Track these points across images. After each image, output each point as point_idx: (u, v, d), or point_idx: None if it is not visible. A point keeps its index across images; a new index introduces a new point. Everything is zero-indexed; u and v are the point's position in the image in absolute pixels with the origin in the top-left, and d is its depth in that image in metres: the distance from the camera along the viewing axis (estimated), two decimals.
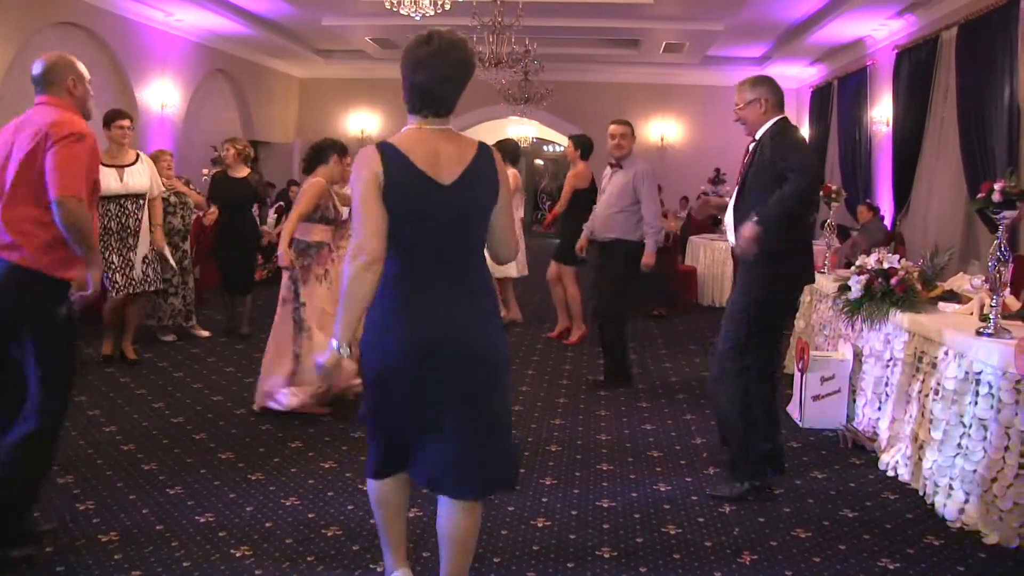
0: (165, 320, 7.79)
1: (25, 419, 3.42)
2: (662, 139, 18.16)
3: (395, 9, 8.18)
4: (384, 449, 3.00)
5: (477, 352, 2.78)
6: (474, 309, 2.81)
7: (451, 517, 2.89)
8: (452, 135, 2.83)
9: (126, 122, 6.80)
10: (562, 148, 23.48)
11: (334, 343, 2.76)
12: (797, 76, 16.45)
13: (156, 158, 7.73)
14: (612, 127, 6.65)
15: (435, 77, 2.73)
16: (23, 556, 3.46)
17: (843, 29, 12.69)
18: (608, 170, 6.67)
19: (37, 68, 3.58)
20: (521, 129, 22.84)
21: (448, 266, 2.78)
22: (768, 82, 4.40)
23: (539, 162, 27.98)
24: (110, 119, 6.80)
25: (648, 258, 6.42)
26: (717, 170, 16.24)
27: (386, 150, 2.72)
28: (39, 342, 3.42)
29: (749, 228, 4.07)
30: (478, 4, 11.21)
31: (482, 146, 2.87)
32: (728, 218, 4.48)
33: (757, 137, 4.36)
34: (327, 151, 5.90)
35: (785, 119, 4.34)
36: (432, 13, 8.15)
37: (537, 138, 24.88)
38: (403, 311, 2.75)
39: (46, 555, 3.52)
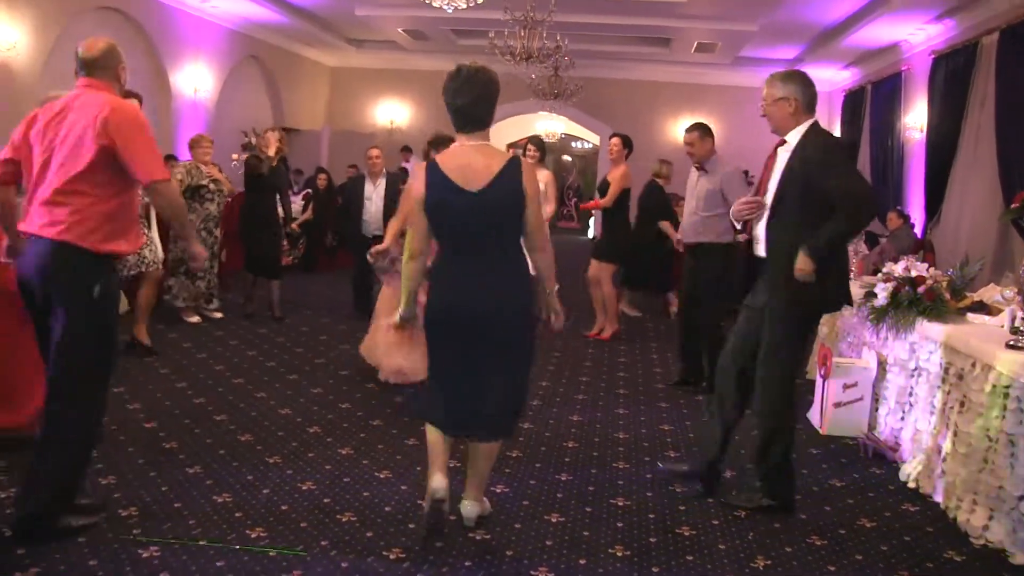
0: (189, 301, 7.82)
1: (49, 422, 3.45)
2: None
3: (429, 2, 8.16)
4: (437, 399, 3.70)
5: (492, 314, 3.49)
6: (499, 285, 3.52)
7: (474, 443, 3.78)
8: (486, 149, 3.55)
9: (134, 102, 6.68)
10: (591, 145, 23.44)
11: (398, 313, 3.79)
12: (830, 79, 16.29)
13: (195, 143, 7.79)
14: (685, 135, 6.53)
15: (470, 99, 3.51)
16: (86, 524, 3.58)
17: (879, 33, 12.54)
18: (693, 174, 6.51)
19: (88, 51, 3.60)
20: (550, 124, 22.78)
21: (480, 254, 3.52)
22: (799, 79, 4.16)
23: (567, 158, 27.92)
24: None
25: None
26: (746, 172, 16.07)
27: (430, 167, 3.55)
28: (80, 316, 3.42)
29: (804, 262, 3.90)
30: None
31: (512, 159, 3.53)
32: (760, 231, 4.18)
33: (789, 141, 4.16)
34: (445, 144, 5.89)
35: (816, 124, 4.12)
36: (464, 6, 8.15)
37: (565, 134, 24.81)
38: (444, 285, 3.58)
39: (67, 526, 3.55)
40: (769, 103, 4.19)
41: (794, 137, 4.13)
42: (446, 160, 3.54)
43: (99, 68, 3.61)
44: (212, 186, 7.81)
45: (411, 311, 3.74)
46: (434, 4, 8.17)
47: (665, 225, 8.89)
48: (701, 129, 6.45)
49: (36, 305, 3.51)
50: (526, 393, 3.81)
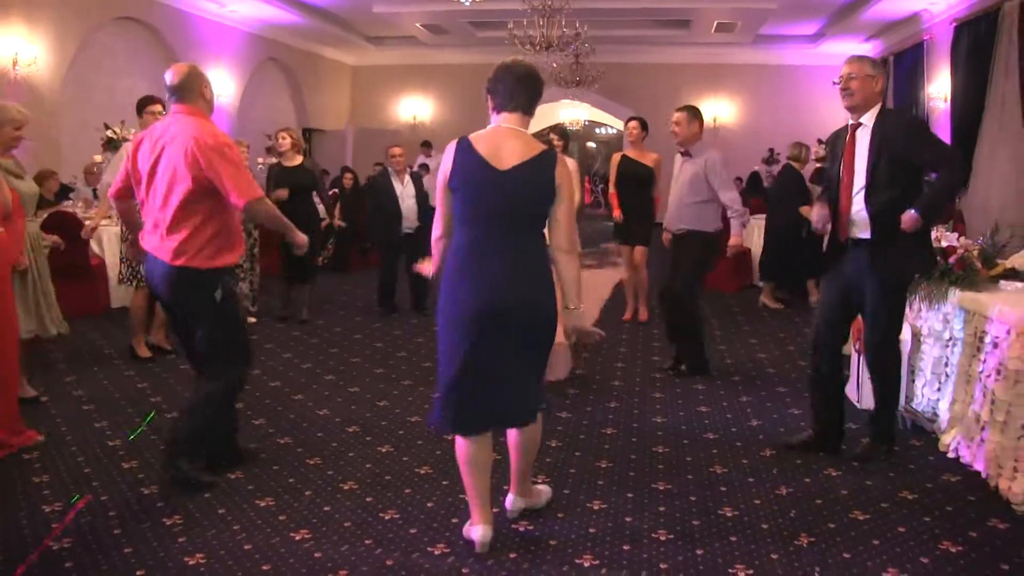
0: None
1: (211, 379, 4.16)
2: (715, 120, 17.98)
3: None
4: (456, 400, 3.43)
5: (517, 310, 3.34)
6: (518, 274, 3.35)
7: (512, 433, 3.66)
8: (522, 135, 3.44)
9: (158, 107, 6.53)
10: (615, 130, 23.37)
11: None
12: (852, 53, 16.12)
13: None
14: (674, 114, 6.38)
15: (513, 77, 3.43)
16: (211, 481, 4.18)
17: (899, 3, 12.44)
18: (678, 159, 6.44)
19: (173, 78, 4.01)
20: (573, 112, 22.79)
21: (502, 239, 3.35)
22: (883, 66, 4.50)
23: (592, 144, 27.88)
24: (142, 105, 6.58)
25: (735, 239, 6.22)
26: (771, 150, 16.03)
27: (460, 143, 3.42)
28: (210, 323, 4.07)
29: (912, 217, 4.21)
30: None
31: (549, 151, 3.43)
32: (857, 206, 4.38)
33: (865, 123, 4.34)
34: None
35: (897, 108, 4.44)
36: None
37: (589, 120, 24.79)
38: (464, 274, 3.37)
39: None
40: (859, 78, 4.35)
41: (870, 119, 4.34)
42: (478, 139, 3.42)
43: (186, 92, 4.00)
44: None
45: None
46: None
47: (805, 210, 8.56)
48: (689, 111, 6.30)
49: (173, 311, 4.25)
50: (542, 376, 3.65)
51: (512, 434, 3.66)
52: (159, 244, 3.98)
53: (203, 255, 3.96)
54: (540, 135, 16.22)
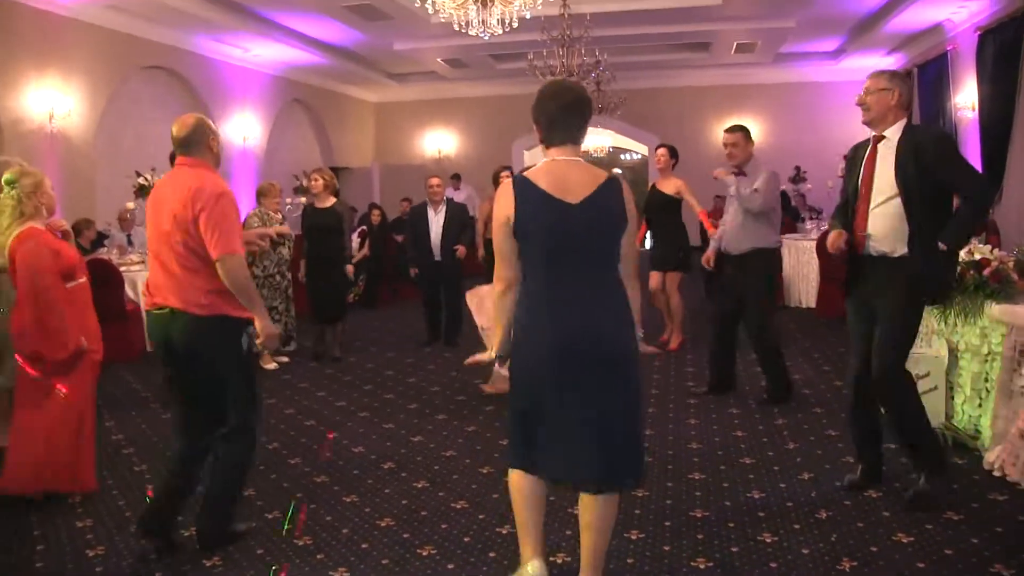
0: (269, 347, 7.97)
1: (224, 440, 3.92)
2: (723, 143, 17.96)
3: (463, 30, 8.26)
4: (522, 439, 3.24)
5: (599, 350, 3.11)
6: (601, 312, 3.13)
7: (586, 501, 3.21)
8: (582, 165, 3.21)
9: None
10: (640, 156, 23.38)
11: (491, 352, 3.34)
12: (874, 67, 15.99)
13: (266, 192, 7.97)
14: (724, 135, 6.39)
15: (560, 104, 3.19)
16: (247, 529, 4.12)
17: (920, 15, 12.38)
18: (730, 179, 6.33)
19: (179, 131, 3.85)
20: (597, 139, 22.83)
21: (575, 275, 3.13)
22: (903, 77, 4.34)
23: (617, 171, 27.89)
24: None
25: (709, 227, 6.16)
26: (797, 168, 15.97)
27: (518, 182, 3.17)
28: (239, 376, 3.89)
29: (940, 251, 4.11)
30: (547, 19, 11.27)
31: (613, 177, 3.22)
32: (875, 229, 4.21)
33: (888, 136, 4.21)
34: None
35: (922, 124, 4.32)
36: (500, 32, 8.20)
37: (613, 147, 24.83)
38: (540, 316, 3.14)
39: None
40: (872, 92, 4.27)
41: (894, 133, 4.21)
42: (537, 174, 3.18)
43: (192, 145, 3.85)
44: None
45: (508, 348, 3.27)
46: (470, 32, 8.24)
47: None
48: (744, 131, 6.30)
49: (179, 365, 3.90)
50: (641, 427, 3.33)
51: (582, 508, 3.24)
52: (182, 295, 3.76)
53: (233, 304, 3.80)
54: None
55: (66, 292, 4.50)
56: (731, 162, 6.31)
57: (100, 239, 10.07)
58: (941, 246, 4.07)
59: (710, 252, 6.57)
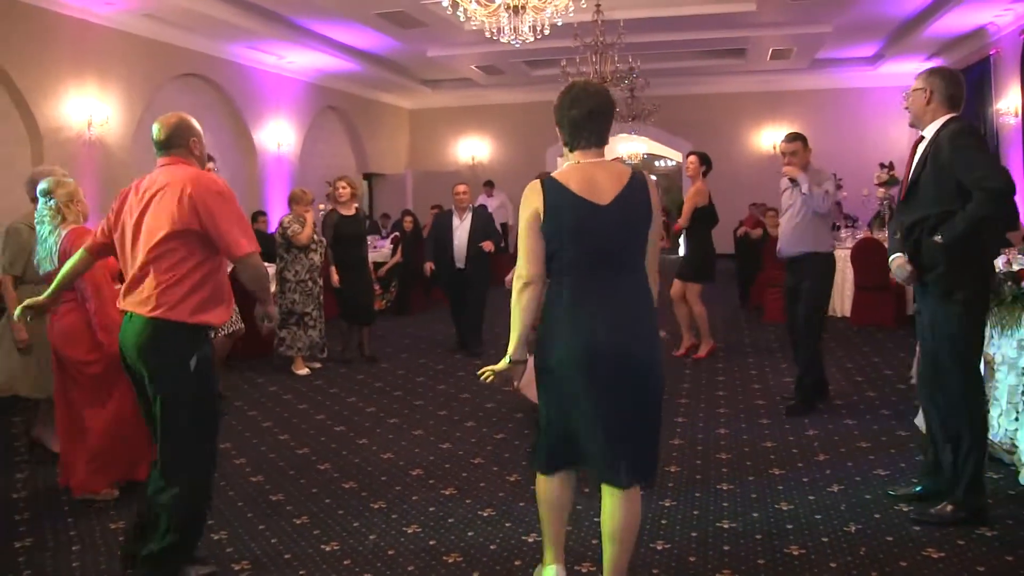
0: (304, 351, 8.04)
1: (164, 478, 3.51)
2: (774, 147, 17.82)
3: (495, 37, 8.27)
4: (553, 442, 3.26)
5: (630, 354, 3.10)
6: (629, 315, 3.13)
7: (609, 510, 3.18)
8: (607, 164, 3.21)
9: (210, 164, 6.66)
10: (674, 163, 23.28)
11: (507, 356, 3.20)
12: (913, 73, 15.85)
13: (299, 199, 8.03)
14: (781, 144, 6.44)
15: (585, 110, 3.16)
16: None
17: (962, 19, 12.19)
18: (785, 183, 6.35)
19: (158, 132, 3.65)
20: (631, 146, 22.77)
21: (607, 278, 3.13)
22: (942, 74, 4.19)
23: (652, 177, 27.80)
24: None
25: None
26: (834, 175, 15.77)
27: (547, 183, 3.15)
28: (175, 393, 3.49)
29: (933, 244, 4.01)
30: (580, 25, 11.26)
31: (636, 174, 3.21)
32: (893, 223, 4.24)
33: (926, 135, 4.14)
34: None
35: (958, 119, 4.09)
36: (532, 39, 8.20)
37: (648, 154, 24.74)
38: (568, 319, 3.11)
39: None
40: (911, 93, 4.22)
41: (930, 132, 4.13)
42: (564, 174, 3.16)
43: (172, 146, 3.65)
44: (316, 236, 8.09)
45: (524, 352, 3.21)
46: (502, 40, 8.25)
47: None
48: (802, 139, 6.32)
49: (136, 377, 3.59)
50: (660, 429, 3.32)
51: (604, 516, 3.21)
52: (137, 300, 3.50)
53: (184, 307, 3.47)
54: None
55: (115, 292, 4.42)
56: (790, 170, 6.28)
57: None
58: (936, 239, 3.97)
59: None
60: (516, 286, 3.15)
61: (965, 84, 4.23)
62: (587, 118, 3.17)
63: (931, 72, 4.22)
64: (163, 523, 3.52)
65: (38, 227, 4.75)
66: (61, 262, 4.44)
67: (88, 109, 9.98)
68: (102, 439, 4.68)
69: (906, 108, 4.28)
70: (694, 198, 8.01)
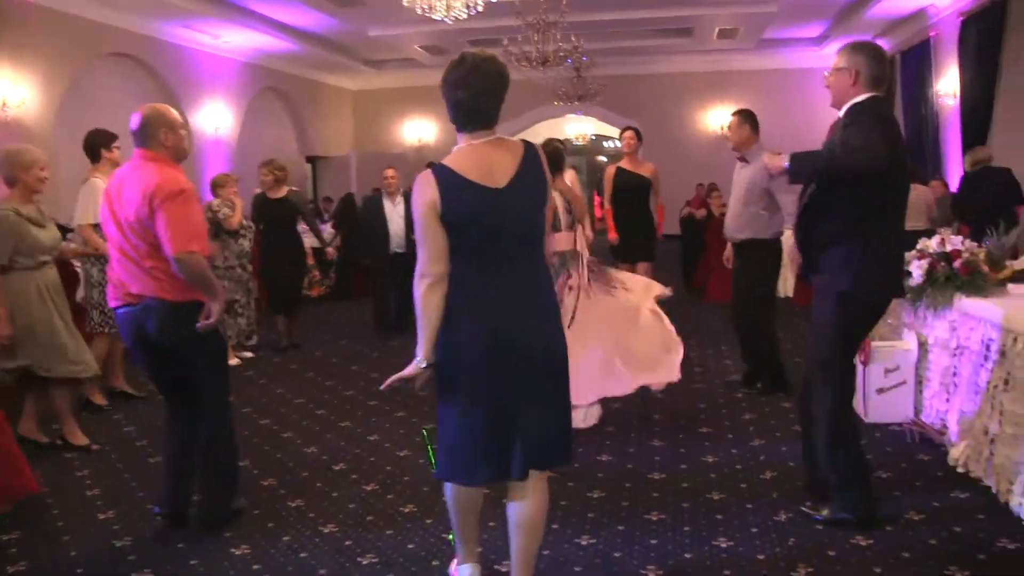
0: (232, 340, 7.74)
1: (202, 422, 4.04)
2: (722, 127, 17.78)
3: (427, 14, 8.06)
4: (474, 450, 3.02)
5: (536, 340, 3.00)
6: (534, 304, 3.03)
7: (516, 502, 3.11)
8: (500, 142, 3.02)
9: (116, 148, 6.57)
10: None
11: (416, 359, 2.98)
12: None
13: (221, 184, 7.75)
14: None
15: (473, 92, 2.94)
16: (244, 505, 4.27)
17: (902, 1, 12.23)
18: (737, 165, 6.19)
19: (132, 124, 3.86)
20: (579, 127, 22.66)
21: (510, 265, 2.98)
22: (867, 50, 3.73)
23: (602, 158, 27.74)
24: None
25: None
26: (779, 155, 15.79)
27: (440, 171, 2.95)
28: (198, 357, 3.95)
29: (778, 159, 3.76)
30: (522, 3, 11.07)
31: (528, 145, 3.06)
32: (792, 205, 4.06)
33: (841, 114, 3.76)
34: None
35: (877, 98, 3.71)
36: (464, 16, 8.01)
37: (596, 135, 24.65)
38: (469, 310, 2.95)
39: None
40: (831, 75, 3.78)
41: (846, 108, 3.73)
42: (456, 160, 2.96)
43: (145, 137, 3.84)
44: (245, 222, 7.84)
45: (433, 354, 2.99)
46: (434, 16, 8.05)
47: None
48: (740, 115, 6.14)
49: (153, 355, 4.00)
50: (570, 411, 3.22)
51: (513, 509, 3.12)
52: (137, 288, 3.83)
53: (175, 290, 3.83)
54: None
55: None
56: (729, 145, 6.19)
57: (63, 233, 9.82)
58: (769, 159, 3.91)
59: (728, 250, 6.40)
60: (421, 286, 2.94)
61: (888, 61, 3.89)
62: (475, 100, 2.95)
63: (854, 48, 3.76)
64: (218, 468, 4.10)
65: None
66: None
67: (1, 90, 9.58)
68: None
69: (827, 87, 3.85)
70: (656, 172, 7.84)
